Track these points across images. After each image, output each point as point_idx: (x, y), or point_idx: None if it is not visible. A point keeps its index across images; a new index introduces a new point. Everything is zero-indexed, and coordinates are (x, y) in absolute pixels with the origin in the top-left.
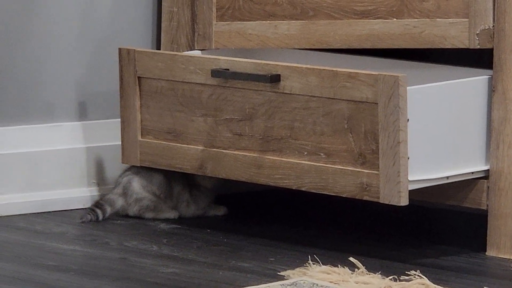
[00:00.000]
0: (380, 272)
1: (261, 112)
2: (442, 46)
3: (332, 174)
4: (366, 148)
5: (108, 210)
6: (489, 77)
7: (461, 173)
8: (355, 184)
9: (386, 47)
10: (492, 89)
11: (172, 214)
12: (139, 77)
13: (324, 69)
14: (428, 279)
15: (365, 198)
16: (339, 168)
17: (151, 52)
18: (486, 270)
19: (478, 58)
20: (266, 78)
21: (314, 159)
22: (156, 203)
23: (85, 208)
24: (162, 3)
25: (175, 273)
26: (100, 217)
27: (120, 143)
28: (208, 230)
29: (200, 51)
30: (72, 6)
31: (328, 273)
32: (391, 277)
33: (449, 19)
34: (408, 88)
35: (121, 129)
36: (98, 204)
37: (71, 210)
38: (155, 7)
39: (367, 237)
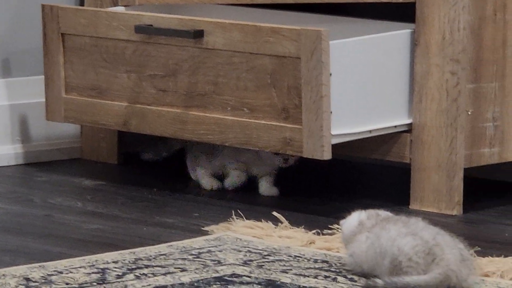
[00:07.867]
0: (303, 226)
1: (185, 67)
2: (365, 0)
3: (255, 129)
4: (289, 103)
5: None
6: (411, 31)
7: (384, 126)
8: (278, 139)
9: (309, 2)
10: (414, 43)
11: None
12: (62, 34)
13: (247, 24)
14: None
15: (288, 152)
16: (263, 123)
17: (74, 8)
18: None
19: (400, 12)
20: (190, 33)
21: (237, 114)
22: None
23: None
24: None
25: (99, 229)
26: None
27: (44, 100)
28: (133, 187)
29: (123, 7)
30: None
31: (252, 228)
32: (314, 231)
33: None
34: (330, 42)
35: (45, 86)
36: None
37: None
38: None
39: (291, 192)
